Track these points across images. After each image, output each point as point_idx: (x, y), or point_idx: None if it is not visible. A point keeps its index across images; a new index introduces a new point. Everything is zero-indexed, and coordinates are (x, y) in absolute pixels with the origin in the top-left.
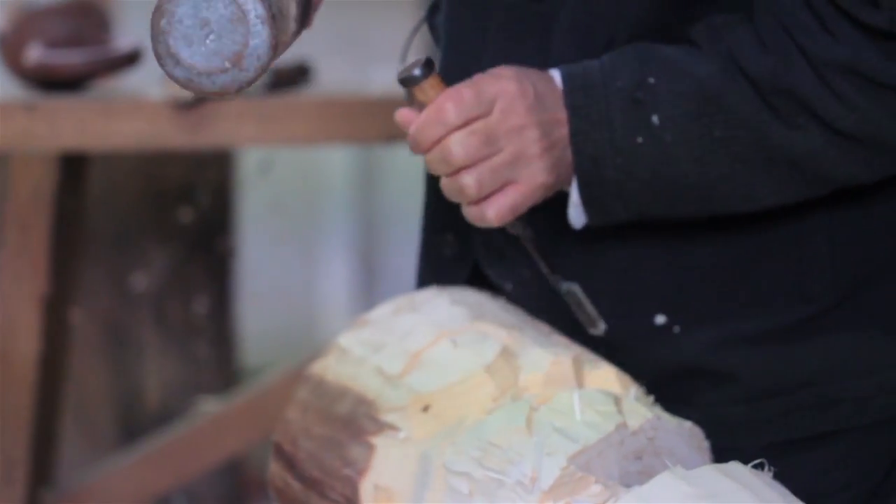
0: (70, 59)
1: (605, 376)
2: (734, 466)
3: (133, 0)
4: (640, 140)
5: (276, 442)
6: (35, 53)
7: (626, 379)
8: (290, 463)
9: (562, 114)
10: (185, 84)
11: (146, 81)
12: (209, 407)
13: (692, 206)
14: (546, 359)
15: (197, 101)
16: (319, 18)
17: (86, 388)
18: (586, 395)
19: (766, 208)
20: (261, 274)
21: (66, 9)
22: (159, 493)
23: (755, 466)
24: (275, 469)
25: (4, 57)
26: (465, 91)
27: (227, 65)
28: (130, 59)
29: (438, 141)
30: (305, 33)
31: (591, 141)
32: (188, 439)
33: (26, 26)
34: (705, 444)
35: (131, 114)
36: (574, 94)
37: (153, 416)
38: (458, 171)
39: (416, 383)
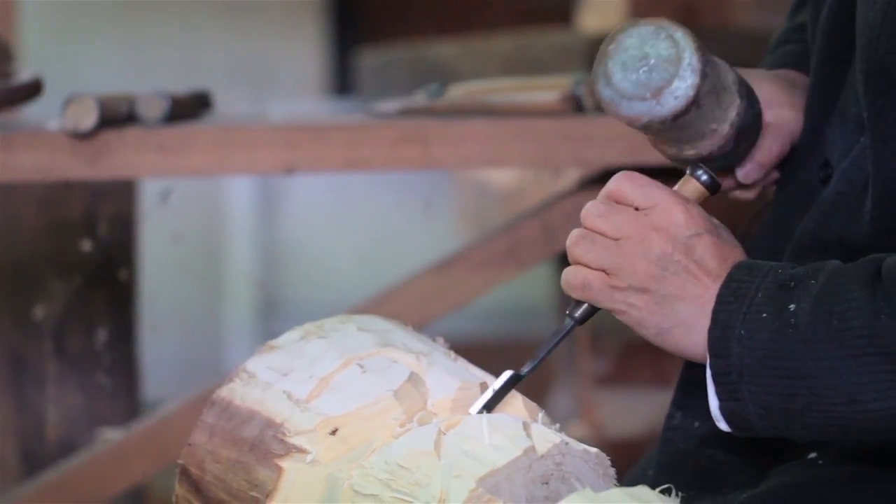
0: None
1: (513, 402)
2: (642, 490)
3: (35, 32)
4: (763, 315)
5: (182, 465)
6: None
7: (534, 406)
8: (196, 486)
9: (704, 277)
10: (606, 104)
11: (46, 113)
12: (111, 437)
13: (802, 400)
14: (454, 384)
15: (94, 131)
16: (217, 49)
17: None
18: (494, 420)
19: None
20: (163, 305)
21: None
22: None
23: None
24: (180, 492)
25: None
26: (638, 179)
27: (648, 95)
28: (31, 91)
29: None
30: (201, 62)
31: (727, 311)
32: (90, 469)
33: None
34: (611, 472)
35: (30, 145)
36: (740, 269)
37: (55, 448)
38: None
39: (325, 407)
